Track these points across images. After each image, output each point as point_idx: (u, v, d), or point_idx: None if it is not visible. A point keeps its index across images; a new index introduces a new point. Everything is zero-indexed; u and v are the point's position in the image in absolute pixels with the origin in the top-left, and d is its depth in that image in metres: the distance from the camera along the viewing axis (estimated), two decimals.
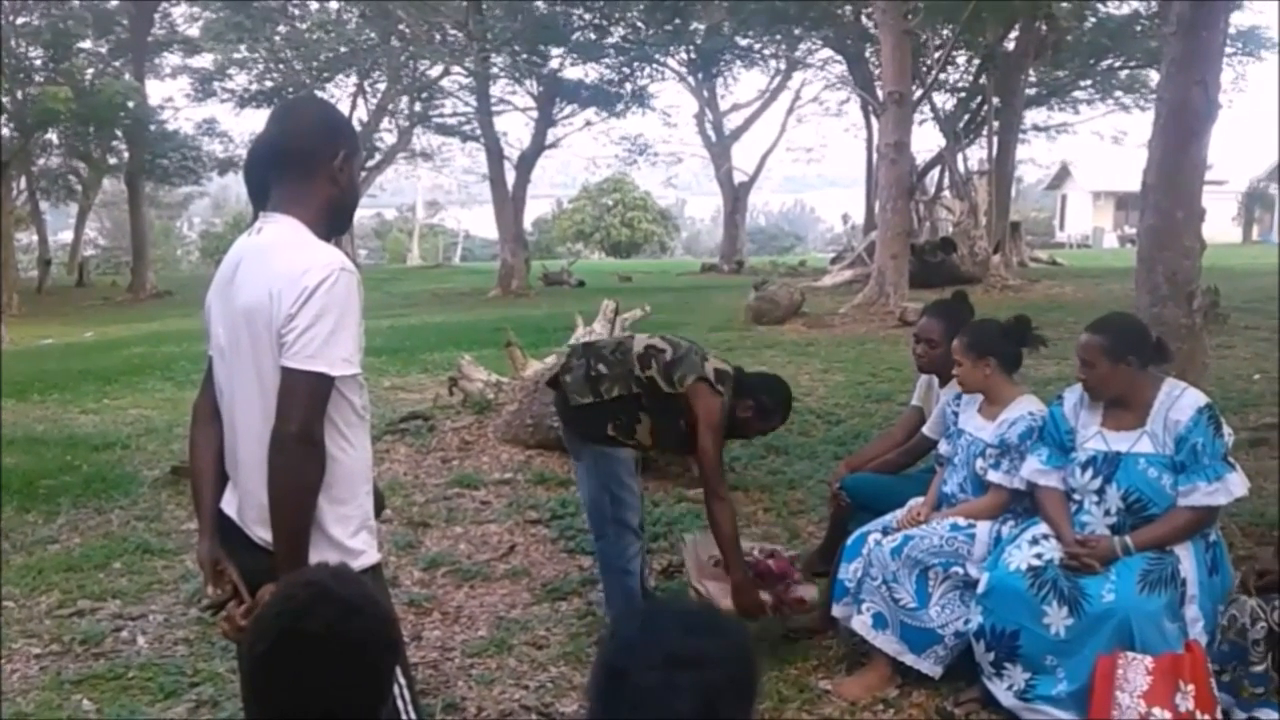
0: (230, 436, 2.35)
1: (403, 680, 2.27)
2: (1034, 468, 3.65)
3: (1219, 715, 3.13)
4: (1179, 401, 3.49)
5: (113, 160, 29.30)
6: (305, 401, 2.18)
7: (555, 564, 5.13)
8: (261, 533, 2.26)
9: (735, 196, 33.02)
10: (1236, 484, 3.41)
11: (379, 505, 2.52)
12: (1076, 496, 3.57)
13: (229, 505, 2.35)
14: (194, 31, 28.86)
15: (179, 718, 3.65)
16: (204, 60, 28.91)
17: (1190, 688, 3.08)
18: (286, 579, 1.79)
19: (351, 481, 2.30)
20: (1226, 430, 3.51)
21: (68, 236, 42.19)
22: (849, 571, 3.90)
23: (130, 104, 24.24)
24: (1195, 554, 3.40)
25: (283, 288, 2.19)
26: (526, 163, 25.79)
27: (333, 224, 2.40)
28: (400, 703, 2.20)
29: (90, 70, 26.15)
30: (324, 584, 1.69)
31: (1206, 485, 3.38)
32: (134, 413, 8.82)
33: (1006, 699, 3.46)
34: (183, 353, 12.86)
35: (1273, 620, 3.16)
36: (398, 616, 2.40)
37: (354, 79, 29.84)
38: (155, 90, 30.60)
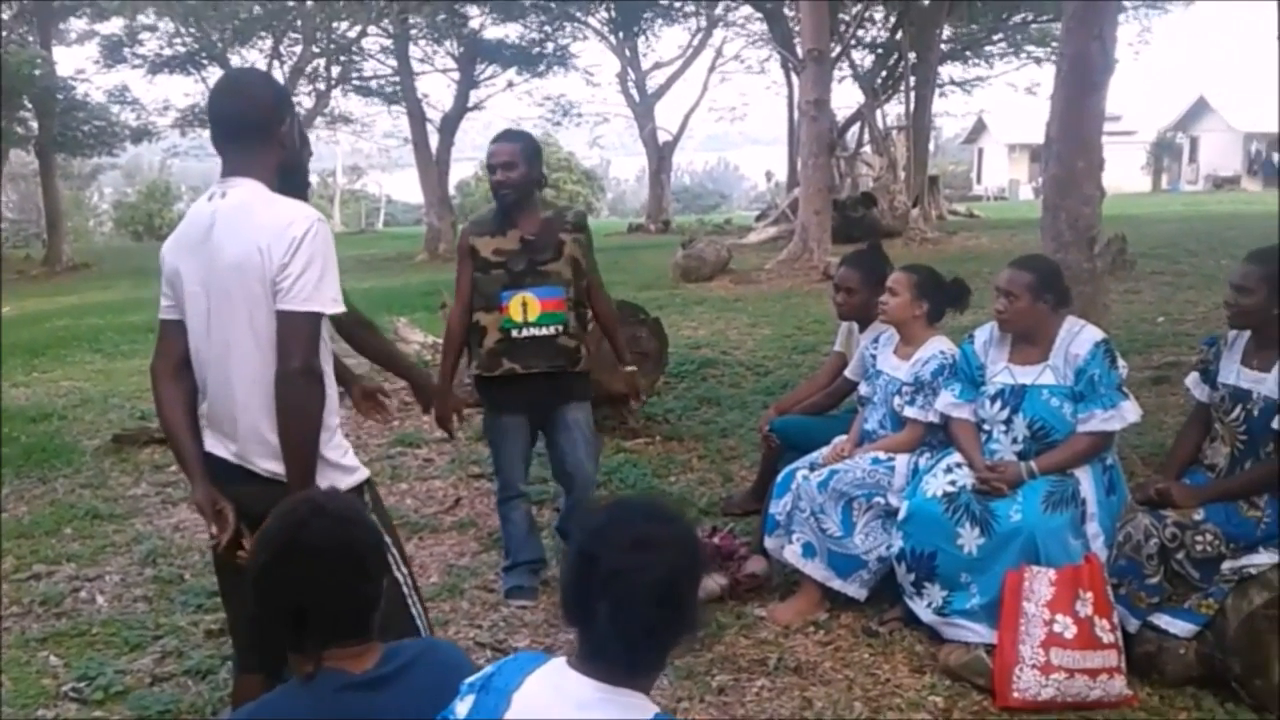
0: (221, 387, 2.53)
1: (404, 571, 2.64)
2: (947, 401, 3.94)
3: (1115, 620, 3.44)
4: (1079, 337, 3.80)
5: (20, 131, 28.38)
6: (305, 340, 2.42)
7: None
8: (269, 465, 2.48)
9: (660, 156, 33.06)
10: (1130, 411, 3.73)
11: None
12: (986, 427, 3.87)
13: (219, 449, 2.55)
14: None
15: (146, 668, 3.79)
16: (113, 26, 28.06)
17: (1089, 595, 3.39)
18: (286, 500, 1.99)
19: (334, 409, 2.54)
20: (1121, 363, 3.83)
21: None
22: (779, 506, 4.17)
23: (38, 73, 23.54)
24: (1094, 476, 3.72)
25: (270, 241, 2.41)
26: (449, 125, 25.63)
27: (284, 182, 2.61)
28: (404, 587, 2.59)
29: None
30: (320, 501, 1.92)
31: (1103, 412, 3.69)
32: (66, 384, 8.80)
33: (926, 615, 3.76)
34: (108, 325, 12.74)
35: (1164, 536, 3.46)
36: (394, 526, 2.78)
37: (269, 42, 29.25)
38: (63, 58, 29.61)
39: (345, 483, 2.54)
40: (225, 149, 2.57)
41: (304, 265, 2.41)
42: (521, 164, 4.07)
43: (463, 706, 1.79)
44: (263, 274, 2.42)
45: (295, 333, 2.41)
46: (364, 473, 2.64)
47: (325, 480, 2.47)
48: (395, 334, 7.98)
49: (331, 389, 2.55)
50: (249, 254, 2.42)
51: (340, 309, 2.50)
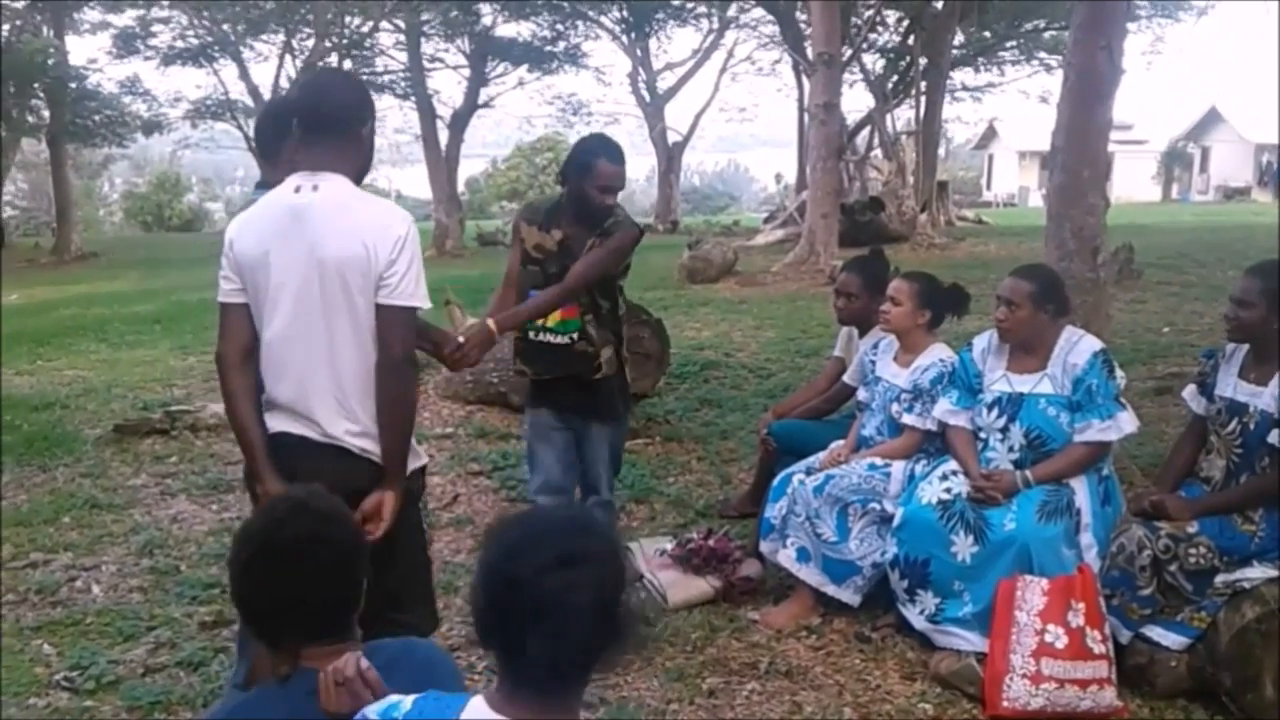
0: (314, 372, 2.64)
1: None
2: (945, 409, 3.94)
3: (1107, 631, 3.43)
4: (1077, 346, 3.79)
5: (31, 119, 28.47)
6: (406, 332, 2.64)
7: (498, 512, 5.32)
8: (361, 444, 2.64)
9: (669, 156, 33.08)
10: (1127, 422, 3.72)
11: None
12: (983, 435, 3.87)
13: (298, 429, 2.66)
14: None
15: (139, 659, 3.80)
16: (126, 17, 28.14)
17: (1081, 605, 3.38)
18: (270, 499, 1.99)
19: None
20: (1119, 373, 3.82)
21: None
22: (775, 510, 4.17)
23: (51, 62, 23.61)
24: (1089, 486, 3.71)
25: (376, 240, 2.59)
26: (459, 122, 25.70)
27: (359, 181, 2.76)
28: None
29: (6, 27, 25.37)
30: (302, 499, 1.92)
31: (1100, 423, 3.68)
32: (70, 374, 8.81)
33: (918, 622, 3.76)
34: (114, 315, 12.77)
35: (1157, 548, 3.46)
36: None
37: (281, 36, 29.31)
38: (76, 47, 29.68)
39: (414, 464, 2.75)
40: (310, 144, 2.71)
41: (407, 264, 2.60)
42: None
43: None
44: (367, 268, 2.57)
45: (399, 326, 2.61)
46: (424, 459, 2.84)
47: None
48: None
49: None
50: (355, 249, 2.57)
51: (429, 304, 2.69)
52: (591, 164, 3.86)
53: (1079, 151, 5.39)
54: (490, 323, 3.63)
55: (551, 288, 3.86)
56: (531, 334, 3.95)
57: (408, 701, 1.68)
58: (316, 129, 2.69)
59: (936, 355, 4.11)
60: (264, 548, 1.85)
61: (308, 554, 1.84)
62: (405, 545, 2.78)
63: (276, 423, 2.69)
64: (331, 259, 2.58)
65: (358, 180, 2.74)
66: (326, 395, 2.64)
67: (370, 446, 2.64)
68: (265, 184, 3.11)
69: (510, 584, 1.55)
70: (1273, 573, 3.39)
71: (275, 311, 2.65)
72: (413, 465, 2.75)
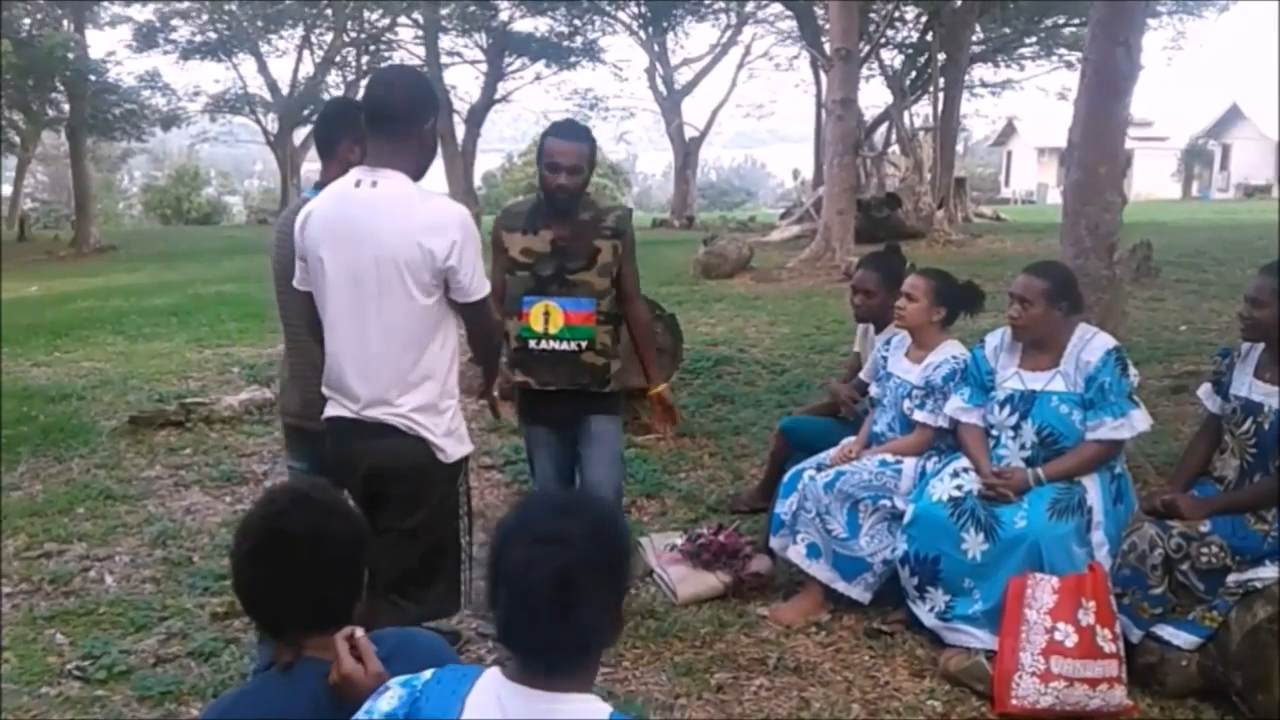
0: (374, 359, 2.82)
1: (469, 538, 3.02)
2: (956, 406, 3.92)
3: (1118, 630, 3.41)
4: (1090, 344, 3.77)
5: (52, 113, 28.66)
6: (486, 314, 2.96)
7: (509, 506, 5.32)
8: (407, 423, 2.82)
9: (686, 152, 33.02)
10: (1140, 420, 3.70)
11: None
12: (995, 432, 3.85)
13: (350, 412, 2.84)
14: None
15: (150, 649, 3.82)
16: (146, 12, 28.32)
17: (1091, 604, 3.36)
18: (270, 490, 2.00)
19: (455, 390, 3.01)
20: (1133, 371, 3.79)
21: (4, 190, 41.23)
22: (785, 506, 4.16)
23: (71, 55, 23.76)
24: (1101, 484, 3.69)
25: (432, 241, 2.73)
26: (476, 117, 25.77)
27: (418, 179, 2.85)
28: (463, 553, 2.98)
29: (28, 20, 25.53)
30: (303, 491, 1.92)
31: (1113, 421, 3.66)
32: (87, 365, 8.88)
33: (928, 619, 3.74)
34: (132, 307, 12.84)
35: (1169, 547, 3.44)
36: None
37: (300, 31, 29.42)
38: (96, 41, 29.86)
39: (460, 450, 2.95)
40: (373, 138, 2.81)
41: (472, 264, 2.79)
42: (585, 168, 3.70)
43: None
44: (421, 265, 2.72)
45: (479, 315, 2.92)
46: (471, 446, 3.02)
47: (450, 443, 2.88)
48: None
49: (454, 374, 2.94)
50: (409, 247, 2.71)
51: (489, 287, 2.94)
52: (543, 144, 3.71)
53: (1096, 148, 5.38)
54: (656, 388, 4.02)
55: (640, 329, 3.93)
56: (533, 342, 3.72)
57: (428, 672, 1.71)
58: (378, 124, 2.78)
59: (949, 352, 4.09)
60: (264, 540, 1.85)
61: (308, 547, 1.84)
62: (434, 520, 2.89)
63: (330, 409, 2.87)
64: (386, 255, 2.70)
65: (417, 176, 2.82)
66: (375, 382, 2.80)
67: (414, 425, 2.81)
68: (322, 185, 3.16)
69: (494, 558, 1.63)
70: None
71: (331, 301, 2.79)
72: (460, 452, 2.94)
